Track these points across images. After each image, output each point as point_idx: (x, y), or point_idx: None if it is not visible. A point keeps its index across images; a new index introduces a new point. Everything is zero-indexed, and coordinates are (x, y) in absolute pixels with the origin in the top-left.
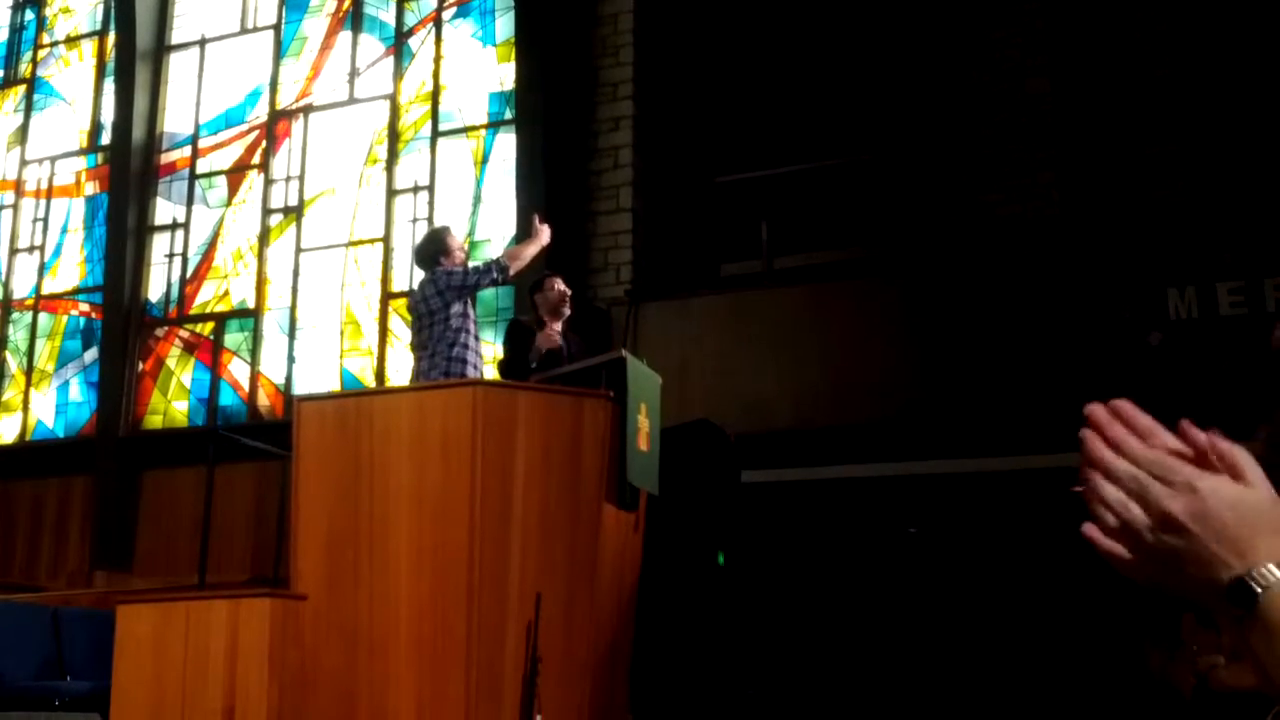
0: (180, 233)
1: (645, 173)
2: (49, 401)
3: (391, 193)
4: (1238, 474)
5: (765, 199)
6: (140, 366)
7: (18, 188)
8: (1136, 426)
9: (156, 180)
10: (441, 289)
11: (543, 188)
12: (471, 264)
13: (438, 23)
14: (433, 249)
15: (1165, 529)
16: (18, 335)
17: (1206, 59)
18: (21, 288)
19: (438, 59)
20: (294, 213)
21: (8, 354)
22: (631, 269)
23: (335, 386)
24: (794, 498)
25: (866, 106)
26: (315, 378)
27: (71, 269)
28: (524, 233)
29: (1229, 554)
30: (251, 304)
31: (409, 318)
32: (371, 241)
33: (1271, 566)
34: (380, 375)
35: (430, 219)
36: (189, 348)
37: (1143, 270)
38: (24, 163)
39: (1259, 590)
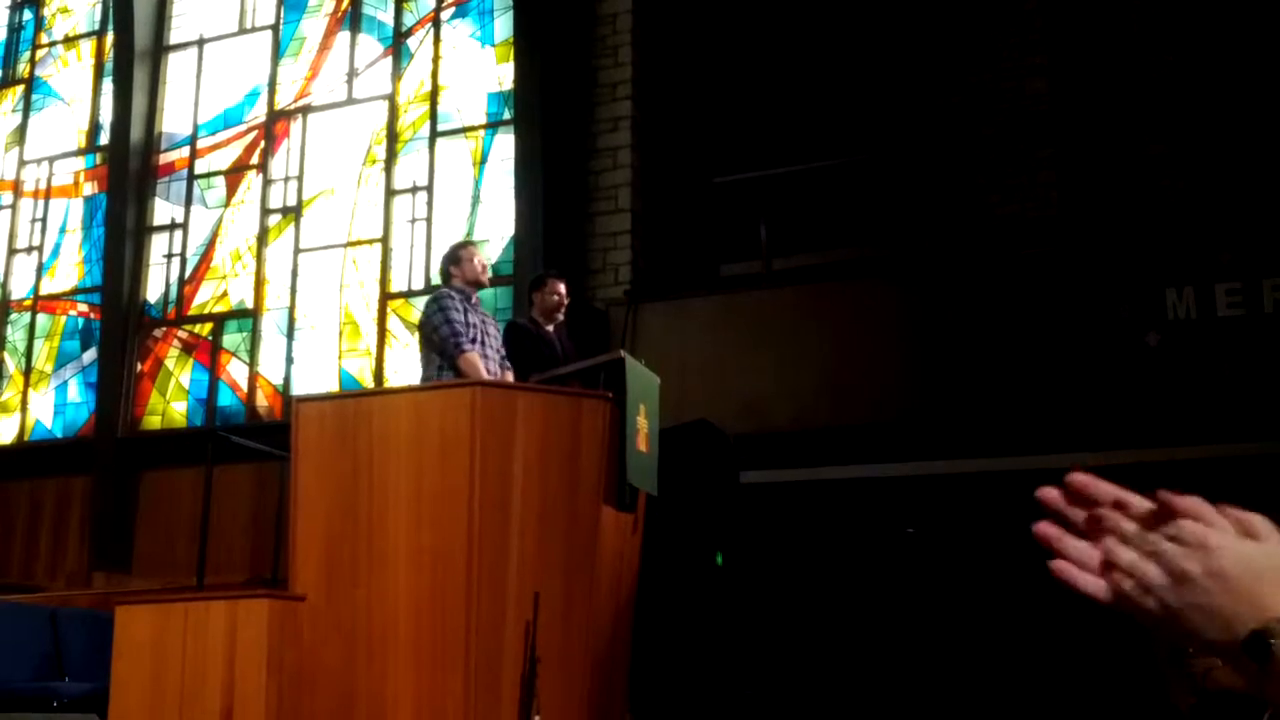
0: (179, 233)
1: (644, 173)
2: (47, 402)
3: (390, 193)
4: (1250, 531)
5: (764, 199)
6: (139, 367)
7: (16, 188)
8: (1100, 498)
9: (155, 180)
10: (435, 324)
11: (541, 188)
12: (454, 328)
13: (436, 23)
14: (445, 261)
15: (1180, 586)
16: (16, 336)
17: (1205, 59)
18: (20, 288)
19: (436, 59)
20: (292, 213)
21: (6, 354)
22: (630, 269)
23: (334, 387)
24: (792, 498)
25: (865, 106)
26: (314, 378)
27: (70, 269)
28: (523, 234)
29: (1243, 608)
30: (250, 304)
31: (409, 319)
32: (370, 242)
33: None
34: (379, 376)
35: (429, 219)
36: (187, 348)
37: (1141, 270)
38: (22, 163)
39: (1274, 642)
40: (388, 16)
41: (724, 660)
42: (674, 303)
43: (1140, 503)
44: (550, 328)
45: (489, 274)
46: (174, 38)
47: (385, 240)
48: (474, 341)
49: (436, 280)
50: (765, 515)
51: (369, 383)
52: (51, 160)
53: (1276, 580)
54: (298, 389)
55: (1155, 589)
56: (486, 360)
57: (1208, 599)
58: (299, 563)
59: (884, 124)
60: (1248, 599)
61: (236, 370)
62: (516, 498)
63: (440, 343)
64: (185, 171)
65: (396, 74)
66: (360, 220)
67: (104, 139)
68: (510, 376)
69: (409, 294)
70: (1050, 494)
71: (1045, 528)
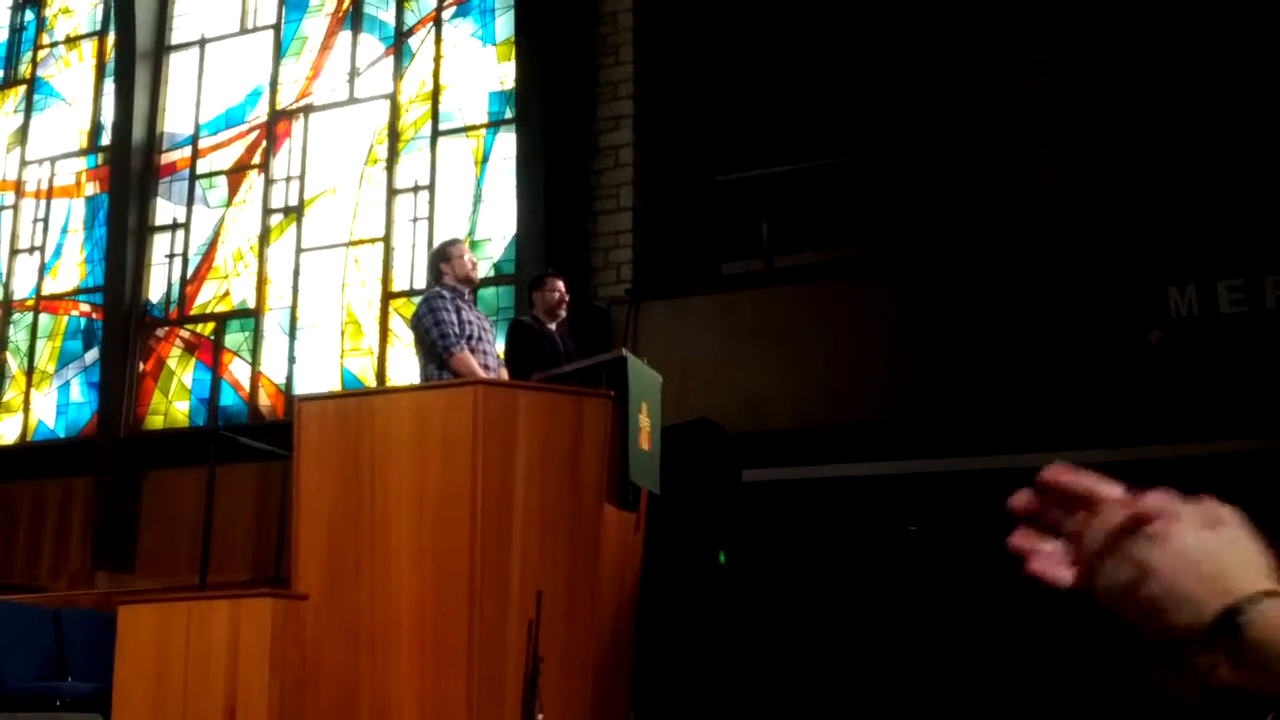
0: (180, 233)
1: (645, 172)
2: (50, 402)
3: (392, 192)
4: (1214, 521)
5: (766, 198)
6: (141, 367)
7: (18, 188)
8: (1072, 493)
9: (157, 180)
10: (425, 326)
11: (543, 187)
12: (443, 330)
13: (437, 22)
14: (435, 259)
15: (1148, 578)
16: (18, 336)
17: (1207, 57)
18: (22, 288)
19: (438, 58)
20: (294, 213)
21: (8, 355)
22: (632, 268)
23: (336, 386)
24: (794, 497)
25: (867, 104)
26: (316, 378)
27: (72, 269)
28: (525, 233)
29: (1207, 591)
30: (252, 304)
31: (410, 318)
32: (372, 241)
33: (1249, 592)
34: (381, 375)
35: (431, 218)
36: (190, 348)
37: (1143, 268)
38: (24, 163)
39: (1241, 618)
40: (389, 16)
41: (726, 659)
42: (675, 301)
43: (1112, 491)
44: (552, 326)
45: (479, 271)
46: (175, 38)
47: (387, 239)
48: (470, 338)
49: None
50: (767, 514)
51: (371, 382)
52: (53, 160)
53: (1239, 562)
54: (300, 388)
55: (1127, 585)
56: (485, 357)
57: (1174, 586)
58: (302, 562)
59: (886, 122)
60: (1212, 582)
61: (239, 370)
62: (519, 496)
63: (431, 345)
64: (187, 171)
65: (398, 73)
66: (362, 219)
67: (106, 139)
68: (505, 376)
69: (411, 293)
70: (1021, 499)
71: (1018, 540)
